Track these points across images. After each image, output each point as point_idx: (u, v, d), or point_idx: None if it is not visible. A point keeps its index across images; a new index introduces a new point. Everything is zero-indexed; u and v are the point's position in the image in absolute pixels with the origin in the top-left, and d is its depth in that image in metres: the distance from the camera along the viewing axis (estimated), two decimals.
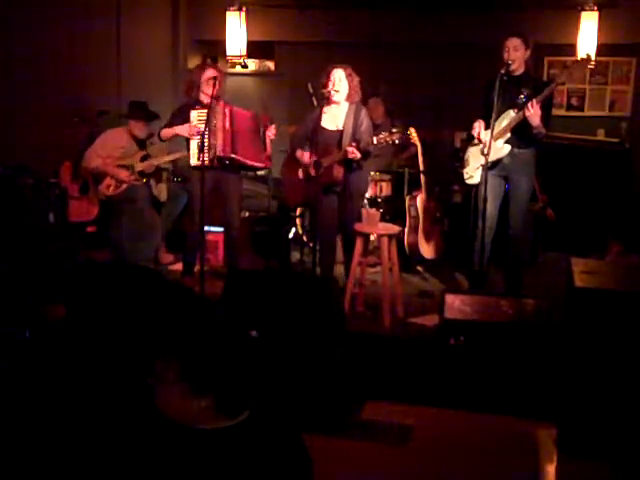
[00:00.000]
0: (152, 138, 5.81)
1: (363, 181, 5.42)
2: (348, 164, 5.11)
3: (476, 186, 5.30)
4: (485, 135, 5.07)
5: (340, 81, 5.07)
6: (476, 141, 5.18)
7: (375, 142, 4.99)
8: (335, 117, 5.19)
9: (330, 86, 5.06)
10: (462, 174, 5.41)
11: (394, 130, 5.00)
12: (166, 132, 5.40)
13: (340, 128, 5.15)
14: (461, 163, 5.45)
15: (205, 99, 5.19)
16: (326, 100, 5.12)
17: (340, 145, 5.10)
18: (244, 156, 5.28)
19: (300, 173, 5.27)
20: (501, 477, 3.14)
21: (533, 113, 4.82)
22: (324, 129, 5.17)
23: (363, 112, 5.18)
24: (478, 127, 5.16)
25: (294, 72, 7.72)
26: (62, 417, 2.19)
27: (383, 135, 4.98)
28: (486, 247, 5.09)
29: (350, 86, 5.10)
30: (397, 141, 5.07)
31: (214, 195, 5.45)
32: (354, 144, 4.99)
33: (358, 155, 4.99)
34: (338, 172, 5.11)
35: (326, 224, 5.26)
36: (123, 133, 5.79)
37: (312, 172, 5.06)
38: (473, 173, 5.28)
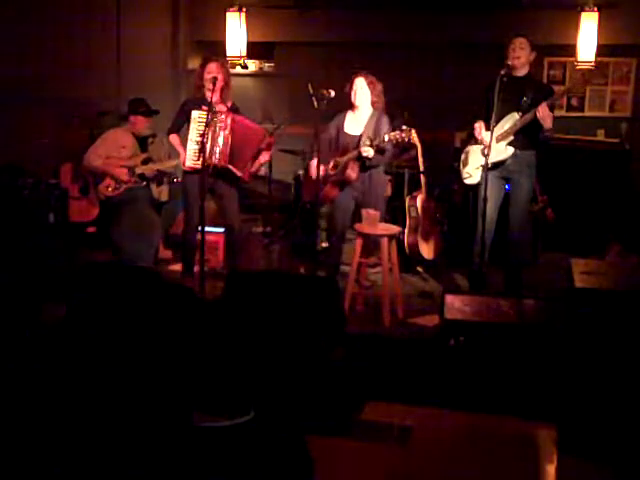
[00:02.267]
0: (153, 138, 5.81)
1: (380, 180, 5.42)
2: (363, 165, 5.18)
3: (476, 186, 5.30)
4: (486, 135, 5.08)
5: (362, 89, 5.19)
6: (479, 137, 5.19)
7: (386, 139, 5.02)
8: (358, 122, 5.29)
9: (352, 95, 5.20)
10: (461, 173, 5.41)
11: (404, 128, 5.02)
12: (173, 140, 5.45)
13: (361, 133, 5.23)
14: (460, 162, 5.45)
15: (211, 97, 5.16)
16: (350, 106, 5.27)
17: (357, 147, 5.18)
18: (237, 167, 5.30)
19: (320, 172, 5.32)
20: (501, 477, 3.14)
21: (546, 116, 4.83)
22: (347, 134, 5.30)
23: (384, 119, 5.25)
24: (479, 128, 5.17)
25: (294, 73, 7.72)
26: (62, 417, 2.19)
27: (394, 133, 5.00)
28: (485, 248, 5.10)
29: (373, 93, 5.19)
30: (407, 139, 5.07)
31: (211, 196, 5.47)
32: (367, 143, 5.06)
33: (371, 153, 5.05)
34: (351, 171, 5.17)
35: (337, 219, 5.33)
36: (124, 133, 5.78)
37: (330, 170, 5.19)
38: (472, 173, 5.28)
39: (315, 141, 5.45)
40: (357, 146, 5.17)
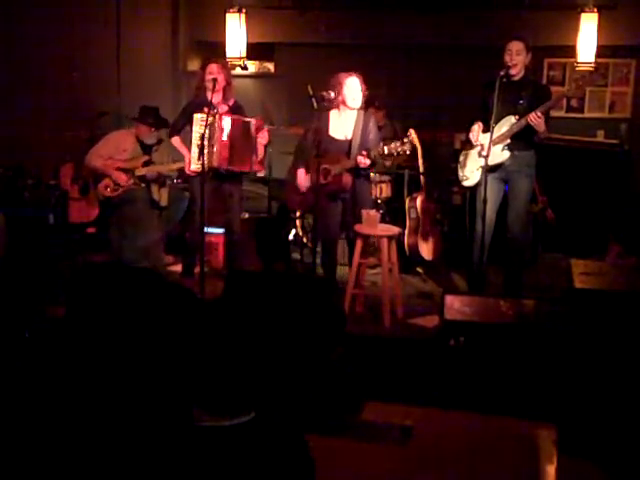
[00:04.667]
0: (158, 144, 5.80)
1: (368, 188, 5.44)
2: (356, 172, 5.15)
3: (474, 188, 5.31)
4: (483, 138, 5.09)
5: (356, 89, 5.09)
6: (475, 143, 5.19)
7: (386, 152, 4.99)
8: (343, 126, 5.21)
9: (346, 94, 5.08)
10: (458, 175, 5.41)
11: (405, 140, 4.99)
12: (175, 142, 5.50)
13: (349, 137, 5.18)
14: (458, 164, 5.45)
15: (212, 97, 5.16)
16: (335, 106, 5.16)
17: (349, 153, 5.13)
18: (239, 166, 5.32)
19: (307, 181, 5.27)
20: (501, 477, 3.14)
21: (539, 123, 4.84)
22: (333, 139, 5.20)
23: (372, 120, 5.20)
24: (476, 130, 5.17)
25: (294, 74, 7.73)
26: (62, 418, 2.19)
27: (394, 145, 4.97)
28: (485, 249, 5.09)
29: (363, 94, 5.14)
30: (408, 152, 5.06)
31: (214, 197, 5.48)
32: (364, 153, 5.02)
33: (368, 164, 5.05)
34: (347, 180, 5.13)
35: (330, 230, 5.30)
36: (128, 136, 5.75)
37: (321, 179, 5.06)
38: (470, 175, 5.27)
39: (298, 147, 5.44)
40: (348, 152, 5.13)
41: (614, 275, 3.90)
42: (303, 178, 5.27)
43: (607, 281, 3.62)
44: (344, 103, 5.12)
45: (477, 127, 5.18)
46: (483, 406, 3.65)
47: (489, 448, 3.28)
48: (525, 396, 3.68)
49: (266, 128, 5.38)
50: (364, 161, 5.02)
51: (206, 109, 5.16)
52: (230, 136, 5.23)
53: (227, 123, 5.23)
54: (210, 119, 5.14)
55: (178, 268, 5.77)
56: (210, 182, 5.25)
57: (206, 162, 5.03)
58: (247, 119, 5.34)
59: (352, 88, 5.09)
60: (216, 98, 5.22)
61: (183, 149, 5.42)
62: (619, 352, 3.30)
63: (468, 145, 5.33)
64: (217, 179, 5.37)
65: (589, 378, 3.32)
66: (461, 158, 5.41)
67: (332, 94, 5.11)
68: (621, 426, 3.27)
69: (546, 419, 3.45)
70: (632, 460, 3.19)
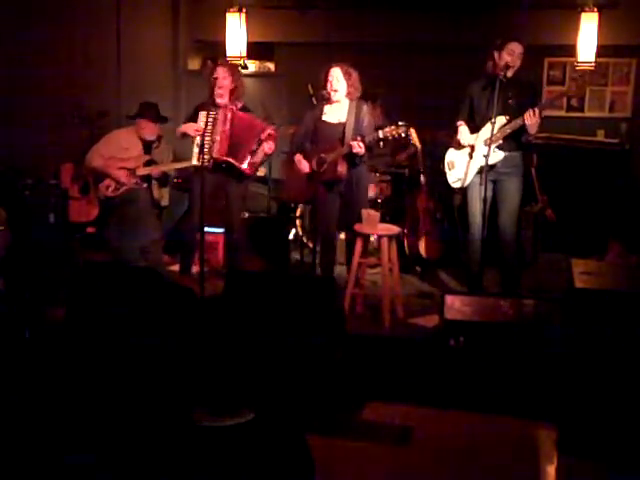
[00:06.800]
0: (158, 142, 5.79)
1: (364, 175, 5.34)
2: (351, 160, 5.10)
3: (465, 190, 5.30)
4: (471, 139, 5.09)
5: (338, 81, 5.10)
6: (464, 144, 5.18)
7: (381, 135, 4.96)
8: (337, 112, 5.20)
9: (329, 86, 5.09)
10: (447, 178, 5.39)
11: (400, 123, 4.98)
12: (177, 130, 5.51)
13: (342, 121, 5.15)
14: (446, 165, 5.42)
15: (218, 99, 5.25)
16: (327, 100, 5.16)
17: (343, 140, 5.10)
18: (237, 159, 5.32)
19: (306, 165, 5.23)
20: (501, 477, 3.14)
21: (534, 124, 4.83)
22: (326, 123, 5.20)
23: (364, 108, 5.18)
24: (464, 132, 5.16)
25: (294, 73, 7.72)
26: (62, 418, 2.19)
27: (389, 129, 4.95)
28: (480, 249, 5.08)
29: (348, 83, 5.11)
30: (403, 134, 5.01)
31: (215, 196, 5.49)
32: (359, 138, 4.98)
33: (363, 150, 4.99)
34: (342, 168, 5.10)
35: (327, 222, 5.28)
36: (129, 134, 5.73)
37: (316, 168, 5.05)
38: (462, 176, 5.25)
39: (291, 138, 5.42)
40: (342, 137, 5.09)
41: (614, 275, 3.90)
42: (302, 162, 5.22)
43: (607, 281, 3.61)
44: (329, 94, 5.13)
45: (464, 128, 5.18)
46: (483, 406, 3.66)
47: (489, 448, 3.29)
48: (525, 396, 3.68)
49: (273, 140, 5.36)
50: (358, 146, 4.96)
51: (208, 108, 5.22)
52: (231, 127, 5.27)
53: (229, 115, 5.27)
54: (213, 114, 5.19)
55: (176, 268, 5.77)
56: (211, 180, 5.26)
57: (206, 155, 5.07)
58: (261, 122, 5.39)
59: (332, 79, 5.09)
60: (223, 100, 5.26)
61: (182, 128, 5.43)
62: (619, 352, 3.29)
63: (456, 146, 5.30)
64: (218, 177, 5.37)
65: (589, 378, 3.32)
66: (448, 160, 5.35)
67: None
68: (621, 426, 3.27)
69: (546, 419, 3.46)
70: (632, 460, 3.19)
